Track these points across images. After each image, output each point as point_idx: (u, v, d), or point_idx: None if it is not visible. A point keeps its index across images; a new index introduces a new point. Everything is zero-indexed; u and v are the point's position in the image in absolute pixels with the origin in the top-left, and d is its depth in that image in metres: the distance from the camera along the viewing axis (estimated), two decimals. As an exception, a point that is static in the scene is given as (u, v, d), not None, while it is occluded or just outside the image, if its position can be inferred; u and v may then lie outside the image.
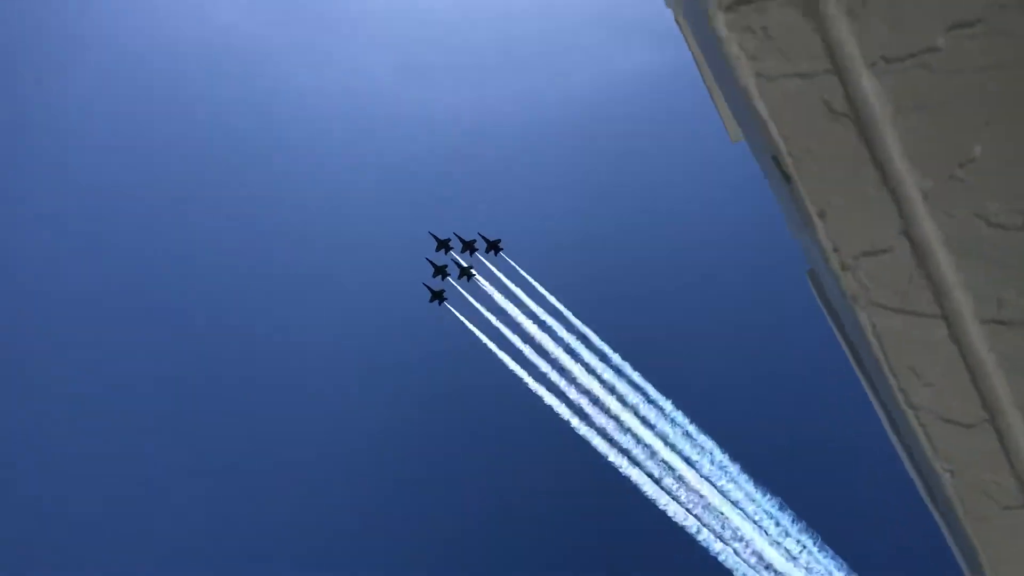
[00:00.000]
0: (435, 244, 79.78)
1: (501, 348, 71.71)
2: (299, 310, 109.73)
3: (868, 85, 3.63)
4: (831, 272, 3.91)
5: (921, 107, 3.61)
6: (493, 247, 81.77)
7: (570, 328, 72.03)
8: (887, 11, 3.52)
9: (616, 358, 69.15)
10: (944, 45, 3.50)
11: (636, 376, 69.07)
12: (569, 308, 72.97)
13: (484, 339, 72.82)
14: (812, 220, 3.84)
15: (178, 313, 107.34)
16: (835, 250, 3.86)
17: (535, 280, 76.41)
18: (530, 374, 69.41)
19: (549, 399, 67.77)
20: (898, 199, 3.74)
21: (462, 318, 75.79)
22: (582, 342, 70.44)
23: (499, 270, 80.00)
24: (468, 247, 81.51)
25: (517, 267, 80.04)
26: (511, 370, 69.96)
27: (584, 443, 67.54)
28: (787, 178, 3.85)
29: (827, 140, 3.74)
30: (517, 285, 77.95)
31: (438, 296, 79.15)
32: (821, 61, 3.66)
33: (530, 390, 68.70)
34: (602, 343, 70.03)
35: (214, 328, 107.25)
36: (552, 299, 73.51)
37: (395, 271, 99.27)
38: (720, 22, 3.78)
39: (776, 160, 3.83)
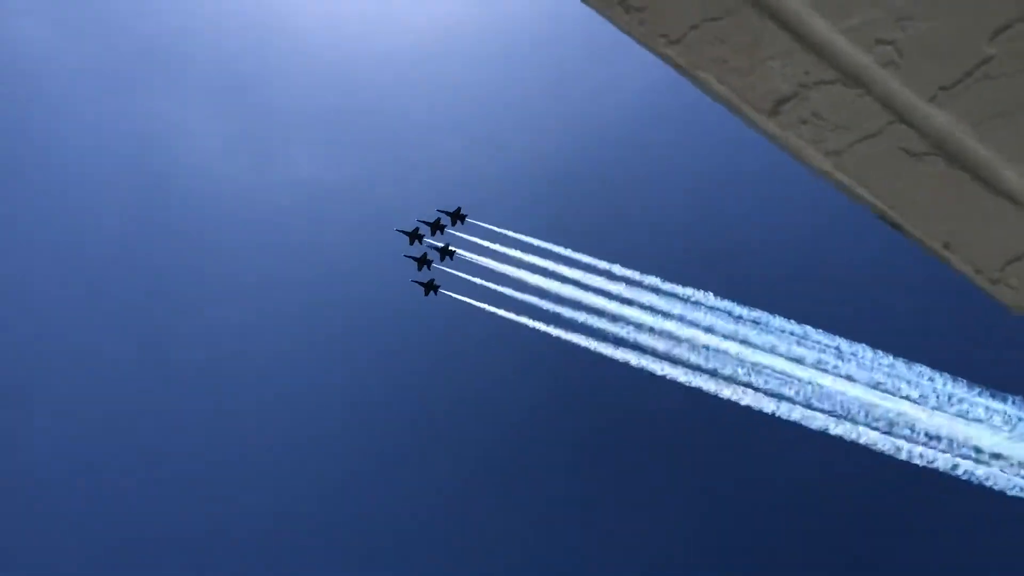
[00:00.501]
0: (407, 239, 79.66)
1: (510, 310, 71.73)
2: (302, 343, 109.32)
3: (939, 117, 3.71)
4: (982, 289, 3.99)
5: (1000, 113, 3.68)
6: (457, 218, 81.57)
7: (566, 261, 72.04)
8: (924, 50, 3.62)
9: (617, 269, 68.53)
10: (995, 52, 3.58)
11: (656, 280, 67.55)
12: (553, 241, 72.85)
13: (492, 309, 72.88)
14: (941, 253, 3.93)
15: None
16: (977, 272, 3.93)
17: (508, 230, 76.42)
18: (551, 324, 69.15)
19: (579, 339, 67.41)
20: (1018, 202, 3.79)
21: (463, 298, 75.90)
22: (583, 269, 69.89)
23: (475, 235, 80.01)
24: (436, 228, 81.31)
25: (486, 225, 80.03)
26: (532, 327, 69.97)
27: (643, 374, 65.44)
28: (897, 227, 3.96)
29: (921, 180, 3.84)
30: (495, 241, 78.00)
31: (431, 288, 79.14)
32: (881, 116, 3.76)
33: (557, 339, 68.54)
34: (599, 261, 69.48)
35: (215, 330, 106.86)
36: (535, 241, 73.40)
37: (382, 278, 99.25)
38: (770, 126, 3.86)
39: (882, 216, 3.94)
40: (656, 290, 67.33)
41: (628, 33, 3.99)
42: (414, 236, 79.87)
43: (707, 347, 63.56)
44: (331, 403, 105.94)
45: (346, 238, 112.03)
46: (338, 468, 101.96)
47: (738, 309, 65.22)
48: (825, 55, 3.76)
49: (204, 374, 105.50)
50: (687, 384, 63.33)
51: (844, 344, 60.20)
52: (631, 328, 66.32)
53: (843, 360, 59.47)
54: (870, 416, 56.90)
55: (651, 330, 65.85)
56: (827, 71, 3.79)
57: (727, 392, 61.64)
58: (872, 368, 58.64)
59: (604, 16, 3.97)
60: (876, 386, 57.77)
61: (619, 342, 66.23)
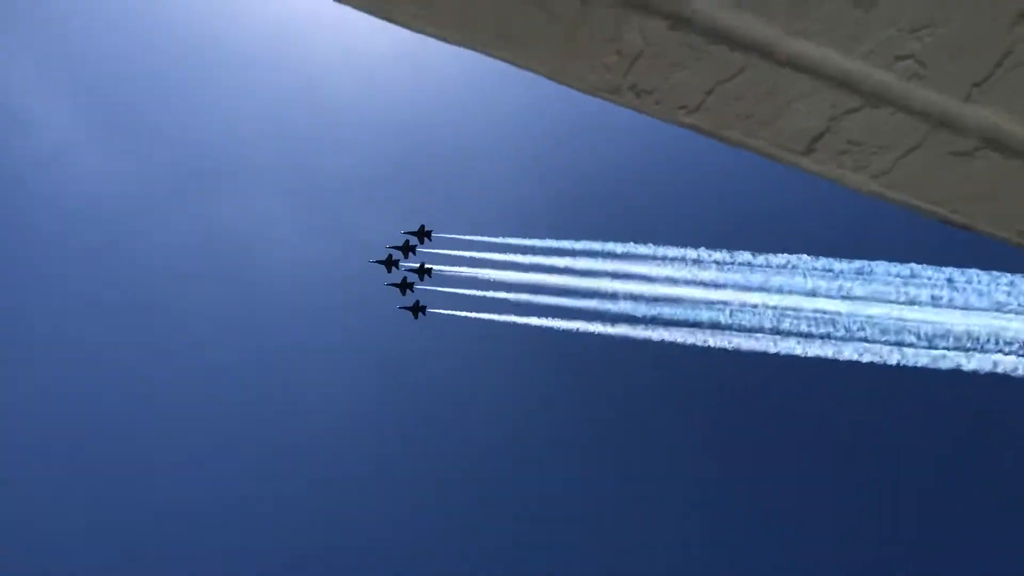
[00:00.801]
0: (384, 268, 79.61)
1: (502, 313, 71.77)
2: (305, 383, 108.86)
3: (979, 112, 3.72)
4: None
5: None
6: (424, 235, 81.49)
7: (544, 251, 72.02)
8: (947, 53, 3.59)
9: (602, 246, 68.26)
10: (1021, 34, 3.56)
11: (648, 249, 66.64)
12: (531, 236, 72.90)
13: (484, 315, 72.93)
14: (1018, 241, 4.01)
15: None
16: None
17: (480, 236, 76.43)
18: (549, 316, 68.94)
19: (582, 326, 67.07)
20: None
21: (453, 312, 75.88)
22: (569, 256, 69.57)
23: (446, 248, 79.95)
24: (407, 250, 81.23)
25: (454, 236, 79.95)
26: (532, 326, 69.95)
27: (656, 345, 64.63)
28: (965, 227, 4.02)
29: (977, 177, 3.86)
30: (468, 249, 77.94)
31: (418, 310, 79.04)
32: (919, 128, 3.73)
33: (561, 331, 68.22)
34: (587, 243, 69.04)
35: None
36: (509, 240, 73.45)
37: (371, 312, 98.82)
38: (809, 164, 3.86)
39: (946, 221, 4.00)
40: (699, 261, 65.28)
41: (646, 113, 3.99)
42: (390, 264, 79.78)
43: (788, 308, 60.78)
44: (350, 447, 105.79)
45: (324, 281, 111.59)
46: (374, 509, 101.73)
47: (833, 264, 61.57)
48: (848, 85, 3.73)
49: (206, 418, 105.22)
50: (768, 352, 60.90)
51: (955, 273, 56.64)
52: (682, 303, 64.30)
53: (958, 291, 55.97)
54: (1001, 341, 53.43)
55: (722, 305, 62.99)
56: (853, 99, 3.76)
57: (828, 351, 58.87)
58: (990, 291, 55.02)
59: (619, 104, 3.98)
60: (1000, 308, 54.24)
61: (656, 322, 64.78)
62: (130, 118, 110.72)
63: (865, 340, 56.76)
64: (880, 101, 3.72)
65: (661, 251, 65.16)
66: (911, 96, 3.68)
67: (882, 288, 58.15)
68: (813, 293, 60.75)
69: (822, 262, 61.17)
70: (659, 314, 62.12)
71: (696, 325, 61.55)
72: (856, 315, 57.50)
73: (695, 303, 61.51)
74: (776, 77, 3.77)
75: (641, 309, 63.30)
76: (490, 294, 72.81)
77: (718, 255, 64.05)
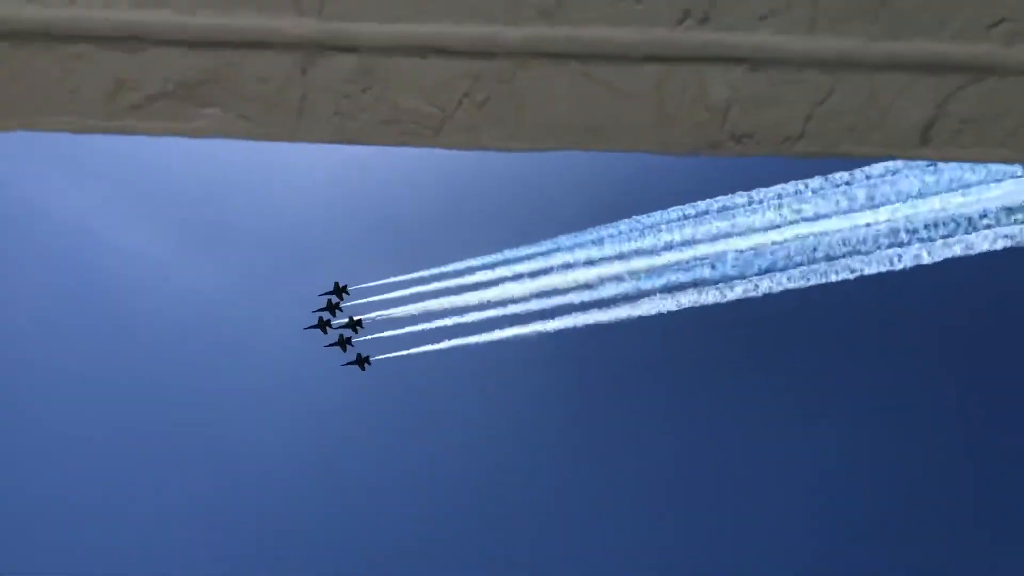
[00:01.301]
0: (319, 331, 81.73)
1: (447, 339, 74.76)
2: (273, 453, 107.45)
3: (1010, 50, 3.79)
4: None
5: None
6: (342, 292, 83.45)
7: (457, 273, 74.87)
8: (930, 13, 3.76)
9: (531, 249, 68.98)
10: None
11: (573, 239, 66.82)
12: (438, 264, 75.88)
13: (429, 347, 76.07)
14: None
15: None
16: None
17: (393, 277, 79.17)
18: (490, 330, 71.07)
19: (521, 330, 69.14)
20: None
21: (398, 353, 78.85)
22: (502, 266, 70.85)
23: (367, 297, 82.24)
24: (333, 309, 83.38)
25: (369, 284, 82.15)
26: (487, 342, 72.25)
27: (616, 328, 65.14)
28: None
29: None
30: (388, 291, 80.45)
31: (363, 362, 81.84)
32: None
33: (503, 340, 70.74)
34: (513, 251, 70.06)
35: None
36: (424, 272, 76.32)
37: (322, 378, 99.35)
38: (929, 153, 4.04)
39: None
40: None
41: (752, 155, 4.12)
42: (323, 326, 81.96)
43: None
44: (332, 519, 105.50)
45: (269, 358, 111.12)
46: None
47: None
48: (947, 68, 3.80)
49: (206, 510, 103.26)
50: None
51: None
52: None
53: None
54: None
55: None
56: (956, 79, 3.81)
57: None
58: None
59: (720, 154, 4.10)
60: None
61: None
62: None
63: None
64: (985, 72, 3.80)
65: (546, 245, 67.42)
66: (1015, 58, 3.71)
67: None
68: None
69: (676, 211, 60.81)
70: (588, 299, 64.57)
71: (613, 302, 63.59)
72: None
73: (610, 279, 63.05)
74: (872, 83, 3.86)
75: (564, 299, 67.25)
76: (424, 326, 75.81)
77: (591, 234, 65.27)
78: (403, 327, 77.47)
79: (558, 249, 66.49)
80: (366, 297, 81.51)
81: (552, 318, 66.95)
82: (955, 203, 47.36)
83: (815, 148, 4.00)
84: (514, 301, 68.81)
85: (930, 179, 47.98)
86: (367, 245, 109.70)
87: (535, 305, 67.78)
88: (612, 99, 3.93)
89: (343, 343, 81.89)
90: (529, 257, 68.63)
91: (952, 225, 47.85)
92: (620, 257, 62.79)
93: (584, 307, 65.39)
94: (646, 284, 61.66)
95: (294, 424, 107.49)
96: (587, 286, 64.87)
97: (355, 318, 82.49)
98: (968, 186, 47.02)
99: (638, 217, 62.62)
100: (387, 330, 79.34)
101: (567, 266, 66.40)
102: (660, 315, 62.02)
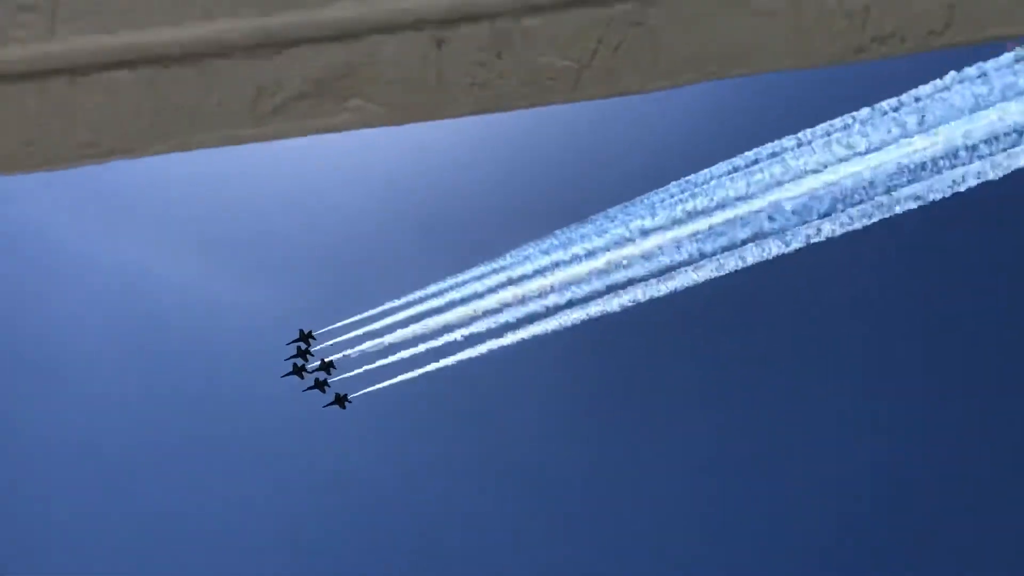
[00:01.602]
0: (296, 378, 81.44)
1: (420, 367, 74.58)
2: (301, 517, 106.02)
3: None
4: None
5: None
6: (307, 338, 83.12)
7: (422, 299, 74.90)
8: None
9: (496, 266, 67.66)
10: None
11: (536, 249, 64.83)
12: (410, 290, 75.89)
13: (405, 376, 75.96)
14: None
15: None
16: None
17: (366, 311, 78.97)
18: (466, 348, 70.03)
19: (503, 341, 67.60)
20: None
21: (374, 387, 78.67)
22: (470, 286, 69.87)
23: (333, 338, 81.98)
24: (304, 354, 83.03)
25: (332, 326, 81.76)
26: (452, 364, 72.41)
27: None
28: None
29: None
30: (352, 330, 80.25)
31: (341, 400, 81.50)
32: None
33: (485, 355, 69.55)
34: (480, 269, 69.19)
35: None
36: (399, 301, 76.29)
37: (307, 423, 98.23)
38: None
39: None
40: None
41: (897, 55, 4.10)
42: (298, 372, 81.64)
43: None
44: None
45: (256, 409, 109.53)
46: None
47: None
48: None
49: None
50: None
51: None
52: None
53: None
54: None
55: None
56: None
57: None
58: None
59: (866, 59, 4.10)
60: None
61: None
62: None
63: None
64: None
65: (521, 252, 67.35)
66: None
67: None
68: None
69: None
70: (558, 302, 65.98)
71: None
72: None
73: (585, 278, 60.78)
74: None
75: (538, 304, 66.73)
76: (398, 356, 75.71)
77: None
78: (378, 360, 77.25)
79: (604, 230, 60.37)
80: (333, 339, 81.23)
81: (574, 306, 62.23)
82: (1013, 111, 45.35)
83: (962, 37, 3.96)
84: (522, 300, 65.34)
85: (982, 89, 45.76)
86: (332, 285, 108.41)
87: (533, 307, 64.79)
88: (747, 21, 3.91)
89: (320, 385, 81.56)
90: (577, 239, 62.29)
91: (1013, 136, 45.59)
92: (675, 223, 56.71)
93: (633, 282, 59.72)
94: (707, 246, 55.65)
95: (283, 475, 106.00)
96: (643, 257, 57.87)
97: (326, 359, 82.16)
98: (1023, 93, 45.13)
99: (687, 178, 57.10)
100: (362, 365, 79.02)
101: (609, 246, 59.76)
102: (724, 276, 55.32)
